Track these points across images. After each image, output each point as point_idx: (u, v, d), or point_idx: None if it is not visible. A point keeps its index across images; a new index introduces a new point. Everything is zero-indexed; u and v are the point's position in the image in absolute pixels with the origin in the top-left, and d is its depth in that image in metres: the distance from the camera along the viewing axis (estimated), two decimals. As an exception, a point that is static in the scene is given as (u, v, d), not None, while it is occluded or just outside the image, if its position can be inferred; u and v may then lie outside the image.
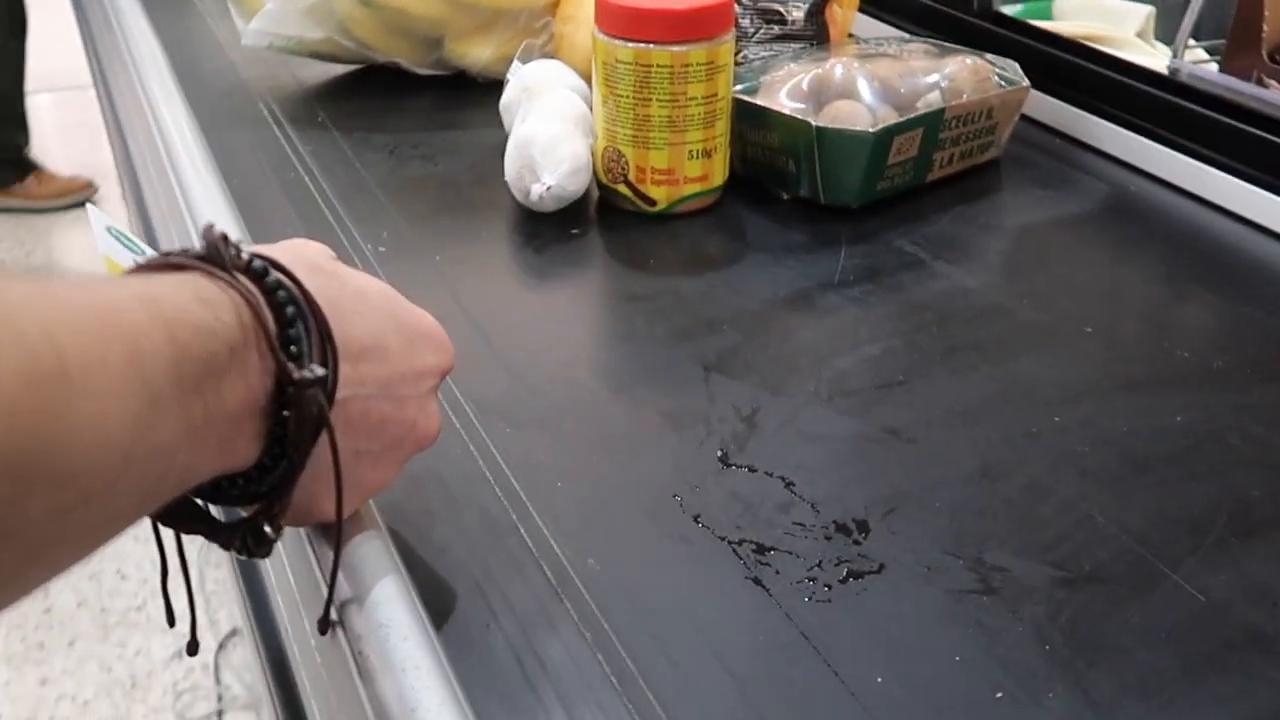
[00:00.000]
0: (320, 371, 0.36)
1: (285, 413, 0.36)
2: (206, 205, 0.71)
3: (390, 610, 0.39)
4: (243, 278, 0.36)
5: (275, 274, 0.37)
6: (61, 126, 3.79)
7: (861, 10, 0.90)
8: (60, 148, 3.62)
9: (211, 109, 0.86)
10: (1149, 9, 1.05)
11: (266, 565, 0.51)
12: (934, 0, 0.95)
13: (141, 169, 0.83)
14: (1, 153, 3.20)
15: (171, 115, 0.82)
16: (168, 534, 0.39)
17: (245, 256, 0.37)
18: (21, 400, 0.26)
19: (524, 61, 0.84)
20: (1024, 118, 0.84)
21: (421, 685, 0.36)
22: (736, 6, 0.81)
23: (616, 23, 0.69)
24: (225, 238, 0.37)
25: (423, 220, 0.72)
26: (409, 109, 0.89)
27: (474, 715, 0.36)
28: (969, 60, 0.78)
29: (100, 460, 0.28)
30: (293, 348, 0.36)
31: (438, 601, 0.43)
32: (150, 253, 0.42)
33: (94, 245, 0.42)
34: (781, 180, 0.75)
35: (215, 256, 0.36)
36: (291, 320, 0.36)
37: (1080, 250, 0.72)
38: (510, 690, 0.39)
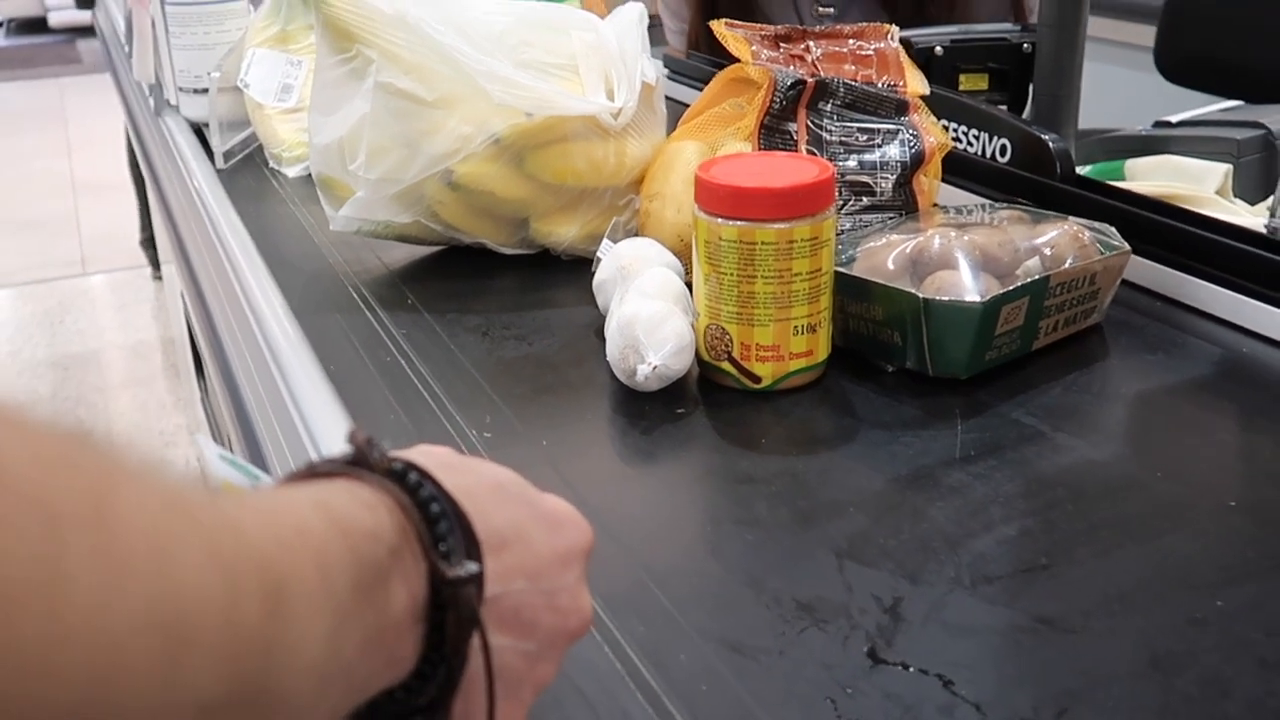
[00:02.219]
0: (474, 568, 0.35)
1: (439, 615, 0.34)
2: (308, 389, 0.70)
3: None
4: (388, 480, 0.35)
5: (414, 473, 0.35)
6: (117, 305, 3.89)
7: (943, 179, 0.91)
8: (113, 325, 3.70)
9: (301, 292, 0.87)
10: (1226, 167, 1.05)
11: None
12: (1017, 166, 0.95)
13: (234, 351, 0.82)
14: None
15: (266, 301, 0.82)
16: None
17: (389, 458, 0.36)
18: (258, 627, 0.24)
19: (614, 239, 0.84)
20: (1121, 281, 0.83)
21: None
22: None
23: (720, 202, 0.68)
24: (370, 440, 0.36)
25: (524, 402, 0.71)
26: (497, 289, 0.89)
27: None
28: (1068, 226, 0.78)
29: (304, 684, 0.26)
30: (441, 546, 0.35)
31: (594, 827, 0.40)
32: (259, 474, 0.41)
33: (208, 474, 0.41)
34: (886, 352, 0.73)
35: (363, 460, 0.35)
36: (437, 518, 0.35)
37: (1204, 417, 0.69)
38: None
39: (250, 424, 0.76)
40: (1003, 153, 0.97)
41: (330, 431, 0.66)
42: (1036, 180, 0.93)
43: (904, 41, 0.92)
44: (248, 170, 1.20)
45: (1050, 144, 0.93)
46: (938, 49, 1.11)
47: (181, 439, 3.02)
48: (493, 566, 0.36)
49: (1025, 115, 1.11)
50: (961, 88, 1.13)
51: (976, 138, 0.99)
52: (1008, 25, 1.18)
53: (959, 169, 0.97)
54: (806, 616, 0.51)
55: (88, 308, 3.85)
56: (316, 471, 0.35)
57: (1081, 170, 1.00)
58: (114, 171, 5.02)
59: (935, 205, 0.89)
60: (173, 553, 0.23)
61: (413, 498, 0.34)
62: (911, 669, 0.47)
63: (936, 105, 0.89)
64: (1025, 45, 1.12)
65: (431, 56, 0.86)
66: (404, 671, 0.34)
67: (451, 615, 0.34)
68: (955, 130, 1.00)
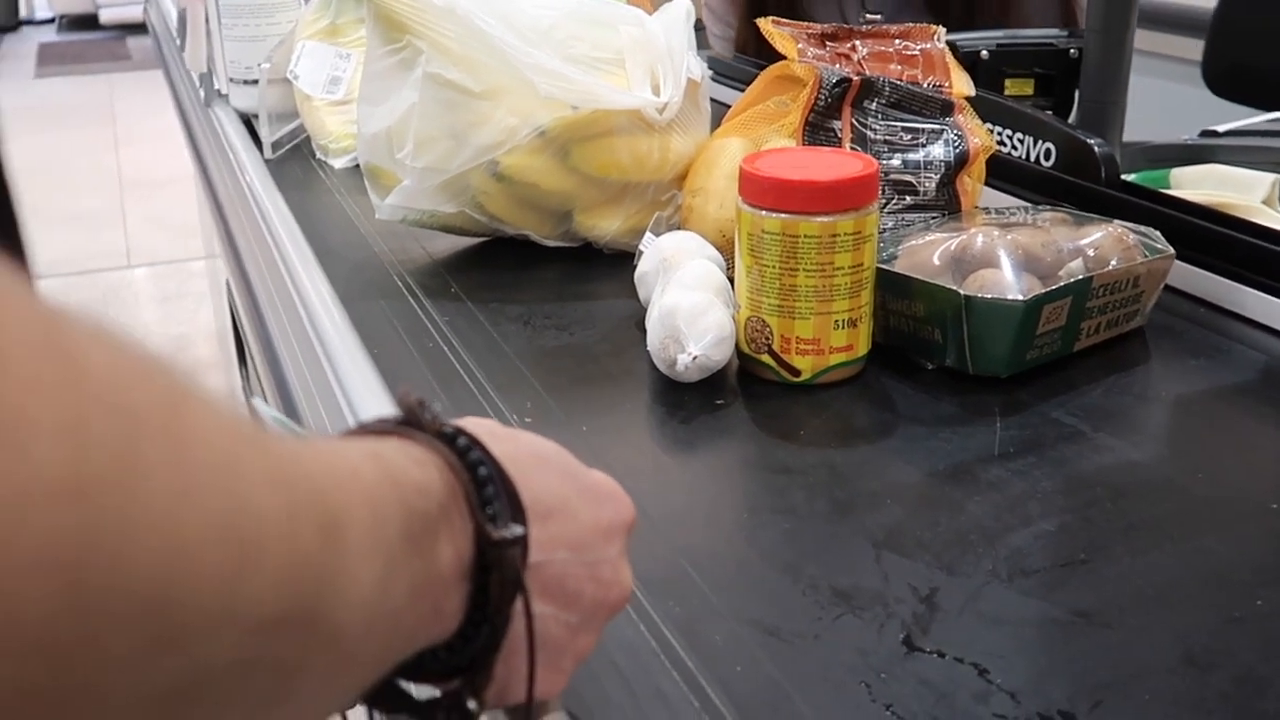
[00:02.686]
0: (519, 530, 0.35)
1: (484, 576, 0.35)
2: (353, 373, 0.71)
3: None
4: (438, 441, 0.35)
5: (463, 437, 0.36)
6: (160, 298, 3.94)
7: (986, 182, 0.91)
8: (155, 317, 3.76)
9: (347, 280, 0.88)
10: (1274, 177, 1.04)
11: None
12: (1062, 171, 0.94)
13: (280, 337, 0.84)
14: None
15: (313, 286, 0.83)
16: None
17: (439, 421, 0.36)
18: (316, 555, 0.26)
19: (656, 233, 0.84)
20: (1165, 286, 0.82)
21: None
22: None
23: (764, 194, 0.69)
24: (421, 402, 0.37)
25: (564, 390, 0.72)
26: (538, 279, 0.90)
27: None
28: (1112, 229, 0.77)
29: (354, 619, 0.27)
30: (488, 509, 0.35)
31: (628, 797, 0.40)
32: (309, 435, 0.43)
33: None
34: (926, 349, 0.73)
35: (414, 421, 0.36)
36: (484, 481, 0.35)
37: (1246, 422, 0.69)
38: None
39: (294, 408, 0.77)
40: (1047, 157, 0.97)
41: (374, 414, 0.67)
42: (1081, 185, 0.93)
43: (950, 45, 0.92)
44: (295, 160, 1.21)
45: (1095, 148, 0.92)
46: (984, 53, 1.11)
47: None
48: (536, 534, 0.37)
49: (1070, 121, 1.10)
50: (1007, 92, 1.13)
51: (1021, 141, 0.99)
52: (1054, 31, 1.18)
53: (1002, 172, 0.96)
54: (842, 603, 0.51)
55: (131, 300, 3.90)
56: (368, 429, 0.35)
57: (1126, 178, 0.99)
58: (160, 166, 5.09)
59: (977, 207, 0.89)
60: (239, 472, 0.24)
61: (461, 459, 0.35)
62: (947, 657, 0.48)
63: (981, 108, 0.89)
64: (1072, 51, 1.12)
65: (480, 48, 0.87)
66: (448, 629, 0.34)
67: (496, 576, 0.34)
68: (999, 134, 1.00)
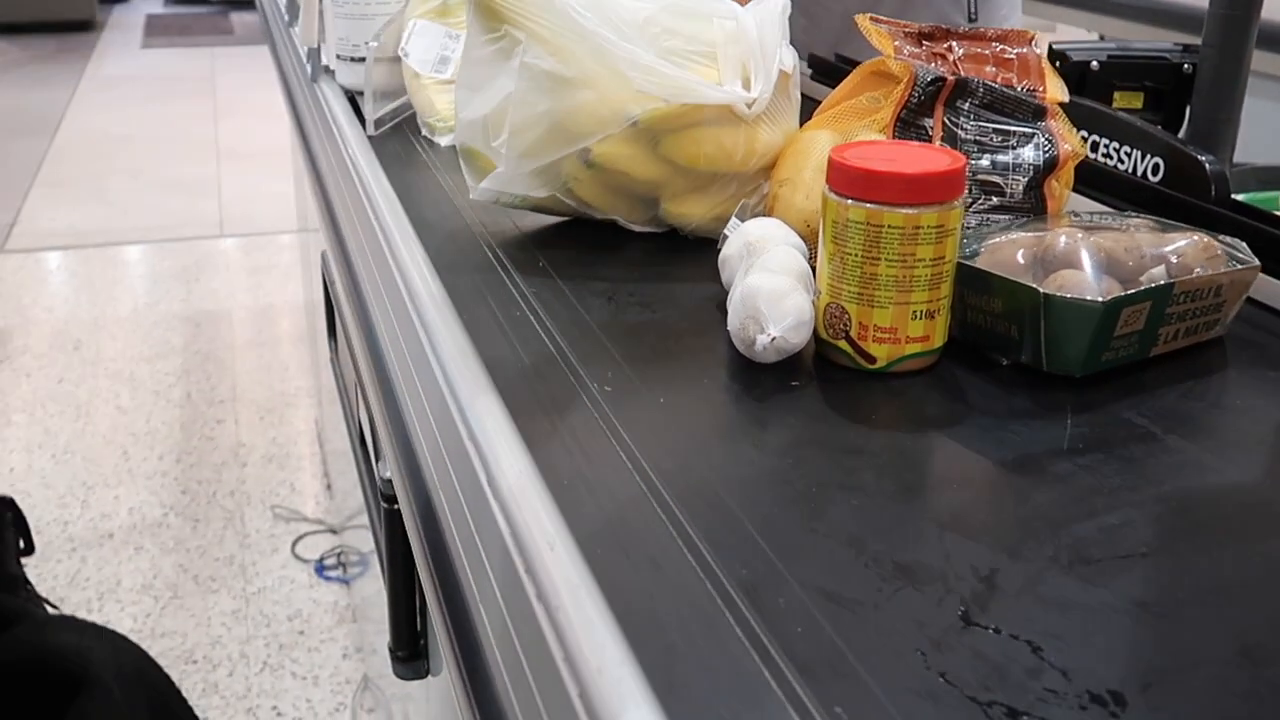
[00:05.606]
0: None
1: None
2: (445, 337, 0.74)
3: None
4: None
5: None
6: (250, 268, 4.04)
7: (1088, 193, 0.91)
8: (245, 287, 3.85)
9: (441, 251, 0.91)
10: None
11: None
12: (1169, 186, 0.94)
13: (375, 303, 0.87)
14: None
15: (410, 256, 0.87)
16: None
17: None
18: None
19: (742, 219, 0.86)
20: (1250, 300, 0.82)
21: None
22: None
23: (850, 183, 0.70)
24: None
25: (644, 363, 0.74)
26: (624, 259, 0.92)
27: None
28: (1198, 237, 0.78)
29: None
30: None
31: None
32: None
33: None
34: (1002, 346, 0.74)
35: None
36: None
37: (1321, 435, 0.69)
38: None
39: (387, 369, 0.80)
40: (1155, 172, 0.97)
41: (463, 375, 0.70)
42: (1190, 202, 0.92)
43: (1061, 54, 0.92)
44: (395, 138, 1.25)
45: (1207, 165, 0.92)
46: (1094, 64, 1.11)
47: (301, 400, 3.13)
48: None
49: (1181, 137, 1.10)
50: (1115, 105, 1.13)
51: (1128, 154, 0.99)
52: (1167, 44, 1.17)
53: (1108, 185, 0.97)
54: (903, 577, 0.53)
55: (222, 269, 4.01)
56: None
57: (1236, 198, 0.99)
58: (255, 139, 5.22)
59: (1065, 212, 0.90)
60: None
61: None
62: (1003, 633, 0.49)
63: (1089, 119, 0.89)
64: (1185, 65, 1.11)
65: (575, 40, 0.90)
66: None
67: None
68: (1106, 146, 1.00)
